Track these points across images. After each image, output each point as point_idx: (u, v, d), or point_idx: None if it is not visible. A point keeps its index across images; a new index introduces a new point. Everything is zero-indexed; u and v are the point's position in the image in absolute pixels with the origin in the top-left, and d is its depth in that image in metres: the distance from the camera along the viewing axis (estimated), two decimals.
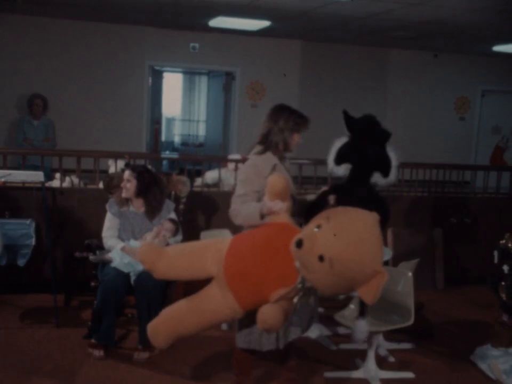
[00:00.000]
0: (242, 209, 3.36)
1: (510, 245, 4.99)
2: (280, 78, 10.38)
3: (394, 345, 4.87)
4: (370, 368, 4.31)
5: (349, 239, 2.53)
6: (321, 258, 2.54)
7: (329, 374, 4.32)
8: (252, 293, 2.83)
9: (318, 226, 2.62)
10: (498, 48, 9.73)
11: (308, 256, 2.59)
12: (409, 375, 4.37)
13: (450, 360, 4.74)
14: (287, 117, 3.60)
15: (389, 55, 10.82)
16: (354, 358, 4.56)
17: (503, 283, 5.02)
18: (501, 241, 5.09)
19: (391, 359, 4.68)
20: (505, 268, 4.96)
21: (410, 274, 4.39)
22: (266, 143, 3.60)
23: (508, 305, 5.06)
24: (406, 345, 4.92)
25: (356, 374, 4.35)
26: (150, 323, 3.12)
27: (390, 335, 4.81)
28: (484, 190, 7.41)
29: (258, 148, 3.62)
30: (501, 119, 11.46)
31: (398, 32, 8.86)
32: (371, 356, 4.32)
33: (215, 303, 2.92)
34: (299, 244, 2.62)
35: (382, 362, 4.52)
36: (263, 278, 2.78)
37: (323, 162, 7.28)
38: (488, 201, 7.24)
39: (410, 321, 4.22)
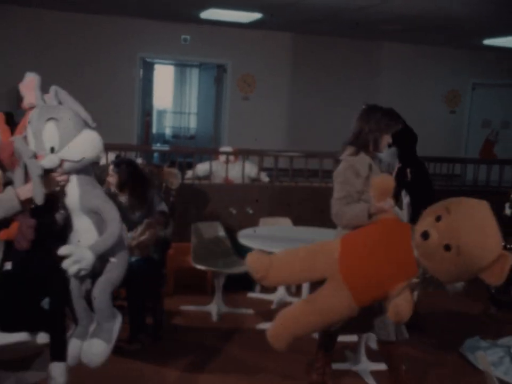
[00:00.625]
0: (347, 210, 3.40)
1: None
2: (271, 71, 10.37)
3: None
4: (360, 360, 4.34)
5: (473, 226, 2.65)
6: (447, 247, 2.65)
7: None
8: (369, 289, 2.94)
9: (438, 218, 2.72)
10: (488, 41, 9.75)
11: (434, 247, 2.70)
12: None
13: (440, 352, 4.77)
14: (379, 118, 3.66)
15: (380, 48, 10.82)
16: (345, 350, 4.59)
17: None
18: None
19: None
20: None
21: None
22: (358, 144, 3.66)
23: (496, 298, 5.10)
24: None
25: (347, 366, 4.37)
26: (269, 328, 3.09)
27: None
28: (473, 183, 7.44)
29: (350, 149, 3.66)
30: (491, 113, 11.50)
31: (388, 25, 8.86)
32: (361, 348, 4.34)
33: (331, 303, 2.99)
34: (425, 235, 2.72)
35: (372, 355, 4.55)
36: (380, 273, 2.89)
37: (314, 155, 7.30)
38: (478, 194, 7.27)
39: None
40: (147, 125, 11.15)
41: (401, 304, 2.84)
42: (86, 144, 2.50)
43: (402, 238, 2.90)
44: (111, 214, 2.57)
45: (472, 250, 2.62)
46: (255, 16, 8.76)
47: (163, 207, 4.72)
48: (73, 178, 2.53)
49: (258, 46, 10.32)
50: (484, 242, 2.62)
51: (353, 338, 4.49)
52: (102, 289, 2.54)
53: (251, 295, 5.94)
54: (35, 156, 2.41)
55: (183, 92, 14.38)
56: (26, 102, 2.52)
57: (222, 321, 5.19)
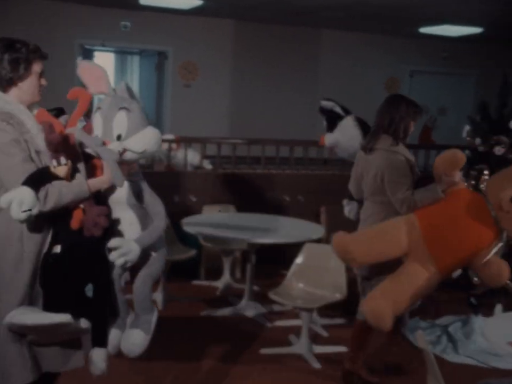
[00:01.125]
0: (418, 198, 3.45)
1: None
2: (213, 58, 10.33)
3: (327, 321, 4.98)
4: (304, 343, 4.41)
5: None
6: None
7: (265, 351, 4.40)
8: (454, 257, 3.13)
9: None
10: (424, 30, 9.95)
11: None
12: (342, 349, 4.49)
13: (382, 333, 4.88)
14: (406, 106, 3.72)
15: (321, 36, 10.90)
16: (289, 334, 4.65)
17: None
18: None
19: (325, 334, 4.79)
20: None
21: None
22: (392, 133, 3.70)
23: None
24: (339, 320, 5.05)
25: (291, 350, 4.44)
26: (367, 312, 3.13)
27: (324, 311, 4.91)
28: None
29: (387, 139, 3.69)
30: (428, 99, 11.73)
31: (329, 12, 8.93)
32: (305, 331, 4.41)
33: (418, 277, 3.12)
34: None
35: (316, 338, 4.63)
36: (463, 241, 3.09)
37: (257, 141, 7.32)
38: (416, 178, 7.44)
39: (343, 297, 4.33)
40: (87, 114, 10.94)
41: (503, 267, 3.02)
42: (150, 138, 2.58)
43: (479, 206, 3.11)
44: (157, 208, 2.64)
45: None
46: (196, 2, 8.70)
47: None
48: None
49: (199, 33, 10.26)
50: None
51: (297, 322, 4.56)
52: (143, 282, 2.62)
53: (196, 282, 5.95)
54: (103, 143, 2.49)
55: (124, 79, 14.16)
56: (94, 90, 2.66)
57: (167, 309, 5.18)
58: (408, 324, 4.93)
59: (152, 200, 2.66)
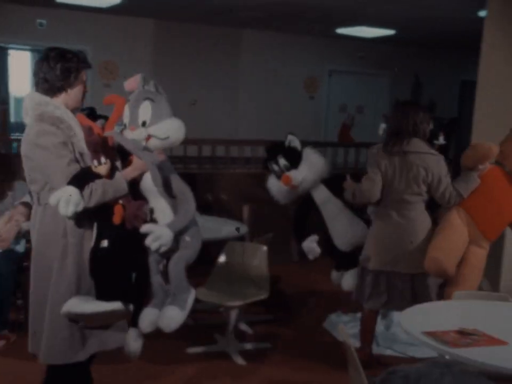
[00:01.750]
0: (462, 191, 3.89)
1: None
2: (133, 58, 10.20)
3: (252, 318, 5.04)
4: (229, 341, 4.45)
5: None
6: None
7: (191, 350, 4.42)
8: (498, 225, 3.97)
9: None
10: (341, 30, 10.16)
11: None
12: (267, 345, 4.57)
13: (306, 328, 5.00)
14: (420, 110, 3.98)
15: (241, 35, 10.94)
16: (214, 333, 4.69)
17: None
18: None
19: (250, 331, 4.85)
20: None
21: (265, 248, 4.57)
22: (419, 135, 3.95)
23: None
24: (263, 318, 5.12)
25: (216, 348, 4.48)
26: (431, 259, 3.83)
27: (248, 309, 4.96)
28: (333, 165, 7.77)
29: (419, 142, 3.94)
30: (346, 98, 12.02)
31: (246, 12, 8.98)
32: (230, 329, 4.46)
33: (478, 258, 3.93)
34: None
35: (241, 335, 4.68)
36: (502, 209, 3.90)
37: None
38: (336, 176, 7.60)
39: (267, 294, 4.41)
40: (3, 113, 10.62)
41: None
42: (173, 126, 2.85)
43: (505, 177, 3.91)
44: (187, 194, 2.83)
45: None
46: (114, 1, 8.56)
47: (27, 198, 4.55)
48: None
49: (119, 32, 10.12)
50: None
51: (221, 320, 4.61)
52: (176, 264, 2.81)
53: None
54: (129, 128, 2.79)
55: None
56: (128, 87, 2.95)
57: None
58: (331, 318, 5.07)
59: (180, 186, 2.83)
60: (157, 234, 2.67)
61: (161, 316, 2.77)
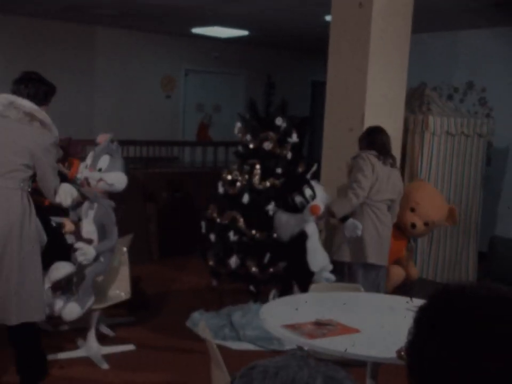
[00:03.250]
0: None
1: (214, 215, 5.32)
2: None
3: (114, 320, 4.98)
4: (91, 345, 4.37)
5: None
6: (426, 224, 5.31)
7: (51, 357, 4.25)
8: None
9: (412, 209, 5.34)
10: (197, 30, 10.22)
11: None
12: (130, 347, 4.53)
13: (168, 328, 5.01)
14: None
15: (96, 33, 10.65)
16: (76, 338, 4.57)
17: (210, 251, 5.37)
18: (207, 212, 5.41)
19: (112, 334, 4.79)
20: (212, 237, 5.30)
21: (125, 249, 4.53)
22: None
23: (216, 271, 5.41)
24: (125, 319, 5.08)
25: (78, 353, 4.38)
26: None
27: (109, 311, 4.89)
28: (191, 164, 7.85)
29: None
30: (203, 97, 12.13)
31: (98, 9, 8.78)
32: (91, 333, 4.37)
33: None
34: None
35: (103, 339, 4.61)
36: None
37: None
38: (196, 175, 7.69)
39: (128, 295, 4.38)
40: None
41: None
42: (119, 178, 4.00)
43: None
44: (113, 229, 4.02)
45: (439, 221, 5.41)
46: None
47: None
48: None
49: None
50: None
51: (82, 325, 4.51)
52: (89, 273, 3.94)
53: None
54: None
55: None
56: (99, 140, 4.15)
57: None
58: (193, 316, 5.11)
59: (110, 224, 3.98)
60: (85, 251, 3.82)
61: (65, 307, 3.82)
